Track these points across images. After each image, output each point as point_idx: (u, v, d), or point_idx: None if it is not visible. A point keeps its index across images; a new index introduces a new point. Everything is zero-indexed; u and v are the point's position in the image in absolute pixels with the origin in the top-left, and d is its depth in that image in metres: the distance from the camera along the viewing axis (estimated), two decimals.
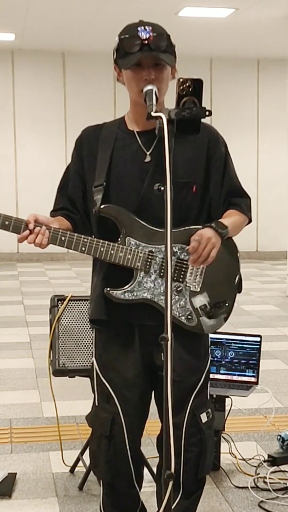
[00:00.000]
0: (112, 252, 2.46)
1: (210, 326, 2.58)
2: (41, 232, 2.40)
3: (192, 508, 2.70)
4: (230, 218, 2.59)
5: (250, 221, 2.76)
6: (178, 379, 2.47)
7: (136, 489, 2.69)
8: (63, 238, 2.44)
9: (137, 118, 2.57)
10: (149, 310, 2.49)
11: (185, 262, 2.52)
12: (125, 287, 2.49)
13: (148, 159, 2.53)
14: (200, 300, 2.54)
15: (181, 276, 2.51)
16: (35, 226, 2.40)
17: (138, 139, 2.56)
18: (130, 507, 2.72)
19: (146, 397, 2.63)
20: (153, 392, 2.66)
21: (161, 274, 2.48)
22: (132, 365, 2.56)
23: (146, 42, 2.41)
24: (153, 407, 2.75)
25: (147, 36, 2.42)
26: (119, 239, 2.48)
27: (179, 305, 2.51)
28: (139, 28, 2.44)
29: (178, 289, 2.51)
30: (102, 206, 2.48)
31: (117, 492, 2.66)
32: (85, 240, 2.46)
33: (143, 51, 2.41)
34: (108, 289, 2.49)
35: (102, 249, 2.46)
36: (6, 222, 2.41)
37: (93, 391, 2.69)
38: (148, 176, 2.52)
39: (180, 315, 2.51)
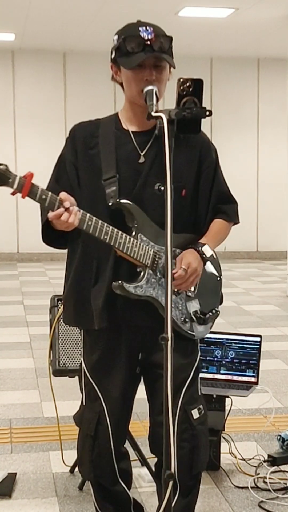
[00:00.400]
0: (128, 245, 2.44)
1: (200, 332, 2.63)
2: (73, 212, 2.37)
3: (190, 506, 2.71)
4: (214, 234, 2.63)
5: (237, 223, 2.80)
6: (154, 375, 2.54)
7: (122, 486, 2.71)
8: (89, 223, 2.41)
9: (133, 117, 2.57)
10: (145, 310, 2.51)
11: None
12: (135, 283, 2.48)
13: (142, 160, 2.53)
14: (194, 306, 2.59)
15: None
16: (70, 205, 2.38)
17: (133, 139, 2.55)
18: (120, 503, 2.74)
19: (131, 397, 2.66)
20: (143, 390, 2.70)
21: (161, 273, 2.50)
22: (119, 366, 2.58)
23: (148, 42, 2.42)
24: (145, 407, 2.76)
25: (149, 36, 2.43)
26: (132, 234, 2.48)
27: (178, 308, 2.55)
28: (140, 28, 2.45)
29: (178, 291, 2.54)
30: (123, 201, 2.48)
31: (104, 489, 2.71)
32: (108, 228, 2.43)
33: (146, 52, 2.42)
34: (121, 282, 2.45)
35: (120, 240, 2.44)
36: (43, 196, 2.38)
37: (81, 391, 2.72)
38: (141, 178, 2.52)
39: (178, 317, 2.54)
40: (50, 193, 2.39)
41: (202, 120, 2.22)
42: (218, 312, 2.65)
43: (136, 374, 2.63)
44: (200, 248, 2.53)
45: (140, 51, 2.42)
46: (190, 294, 2.57)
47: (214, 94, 12.29)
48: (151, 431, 2.67)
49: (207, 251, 2.55)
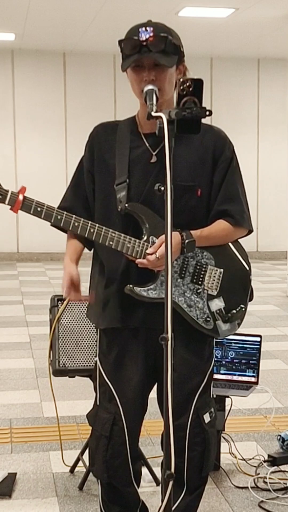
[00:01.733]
0: (138, 249, 2.46)
1: (225, 331, 2.61)
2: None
3: (194, 504, 2.73)
4: (210, 232, 2.56)
5: (249, 231, 2.73)
6: (182, 380, 2.50)
7: (135, 487, 2.71)
8: (92, 230, 2.46)
9: (143, 119, 2.57)
10: (157, 314, 2.42)
11: (204, 266, 2.55)
12: (148, 285, 2.48)
13: (154, 159, 2.55)
14: (217, 304, 2.58)
15: (200, 279, 2.55)
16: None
17: (146, 141, 2.58)
18: (130, 505, 2.73)
19: (146, 398, 2.66)
20: (155, 393, 2.67)
21: (182, 275, 2.52)
22: (136, 367, 2.58)
23: (144, 43, 2.42)
24: (153, 407, 2.76)
25: (147, 37, 2.43)
26: (144, 237, 2.49)
27: (198, 307, 2.54)
28: (140, 29, 2.45)
29: (198, 291, 2.54)
30: (128, 205, 2.50)
31: (115, 491, 2.68)
32: (113, 234, 2.46)
33: (141, 53, 2.43)
34: (131, 285, 2.48)
35: (128, 245, 2.47)
36: (39, 209, 2.47)
37: (95, 390, 2.70)
38: (151, 177, 2.53)
39: (199, 317, 2.54)
40: (46, 204, 2.47)
41: (202, 120, 2.22)
42: (243, 309, 2.63)
43: (152, 376, 2.60)
44: (184, 235, 2.47)
45: (137, 52, 2.43)
46: (211, 292, 2.56)
47: (214, 93, 12.29)
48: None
49: (190, 244, 2.48)
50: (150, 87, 2.44)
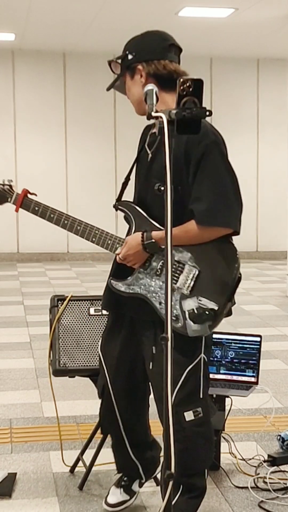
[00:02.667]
0: (117, 246, 2.66)
1: (193, 331, 2.62)
2: None
3: (187, 506, 2.76)
4: (174, 231, 2.50)
5: (234, 232, 2.63)
6: (160, 371, 2.50)
7: (133, 461, 3.04)
8: (78, 228, 2.73)
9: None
10: (142, 305, 2.67)
11: (181, 265, 2.61)
12: (125, 280, 2.70)
13: (150, 157, 2.71)
14: (189, 304, 2.60)
15: (175, 278, 2.61)
16: None
17: (147, 140, 2.76)
18: (124, 464, 3.10)
19: (134, 377, 2.88)
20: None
21: (157, 272, 2.62)
22: (120, 347, 2.85)
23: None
24: (152, 407, 2.77)
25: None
26: (130, 234, 2.69)
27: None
28: None
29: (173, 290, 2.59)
30: (117, 202, 2.75)
31: (114, 453, 3.13)
32: (97, 231, 2.69)
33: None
34: (111, 279, 2.74)
35: (109, 241, 2.68)
36: (36, 208, 2.83)
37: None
38: (145, 176, 2.68)
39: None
40: (42, 205, 2.82)
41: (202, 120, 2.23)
42: (212, 312, 2.58)
43: (134, 351, 2.83)
44: (145, 236, 2.62)
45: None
46: (184, 292, 2.60)
47: (214, 94, 12.29)
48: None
49: (150, 245, 2.61)
50: (150, 87, 2.45)
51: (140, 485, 3.16)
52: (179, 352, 2.55)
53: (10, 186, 2.85)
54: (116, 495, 3.10)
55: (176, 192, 2.50)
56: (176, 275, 2.61)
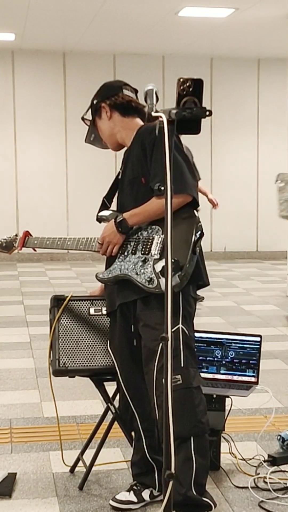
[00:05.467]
0: (93, 244, 3.10)
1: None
2: None
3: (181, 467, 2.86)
4: (140, 208, 3.00)
5: (191, 197, 2.98)
6: (144, 344, 2.98)
7: (137, 422, 3.17)
8: (68, 243, 3.18)
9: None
10: (126, 287, 3.00)
11: (151, 238, 2.98)
12: (105, 270, 3.08)
13: (120, 175, 3.17)
14: (160, 265, 2.92)
15: (147, 250, 2.97)
16: None
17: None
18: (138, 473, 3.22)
19: (131, 354, 3.09)
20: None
21: (133, 251, 2.99)
22: (118, 336, 3.12)
23: None
24: None
25: None
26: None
27: (143, 272, 2.94)
28: None
29: (142, 260, 2.96)
30: (98, 214, 3.19)
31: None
32: (83, 240, 3.15)
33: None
34: (97, 274, 3.10)
35: (93, 243, 3.10)
36: (35, 242, 3.30)
37: None
38: (121, 184, 3.14)
39: (143, 279, 2.94)
40: (39, 238, 3.24)
41: (202, 120, 2.23)
42: (174, 261, 2.82)
43: (130, 336, 3.08)
44: (117, 218, 3.00)
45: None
46: (156, 257, 2.95)
47: (214, 94, 12.29)
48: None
49: (121, 222, 2.99)
50: (150, 87, 2.46)
51: (151, 496, 3.17)
52: (153, 328, 2.88)
53: (16, 235, 3.36)
54: (124, 495, 3.17)
55: (141, 183, 3.00)
56: (148, 247, 2.97)
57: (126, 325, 3.08)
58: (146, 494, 3.15)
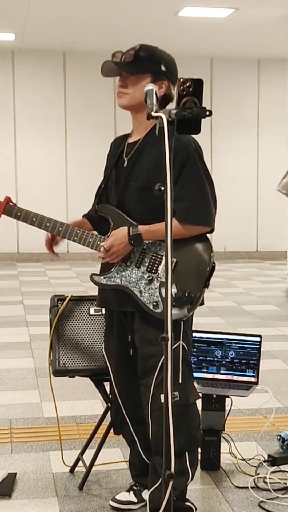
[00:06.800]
0: (98, 243, 2.88)
1: (173, 315, 2.71)
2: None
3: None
4: (157, 226, 2.79)
5: (211, 230, 2.87)
6: (142, 359, 2.91)
7: (128, 426, 3.13)
8: (60, 229, 2.94)
9: (132, 128, 3.00)
10: (124, 297, 2.88)
11: (159, 256, 2.83)
12: (105, 274, 2.92)
13: (125, 164, 2.93)
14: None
15: (154, 268, 2.83)
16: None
17: (125, 149, 2.97)
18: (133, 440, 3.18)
19: (126, 361, 3.02)
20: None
21: (137, 264, 2.85)
22: (115, 342, 3.04)
23: (113, 56, 2.87)
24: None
25: (120, 53, 2.84)
26: (109, 233, 2.89)
27: (149, 293, 2.83)
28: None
29: (149, 278, 2.83)
30: (97, 206, 2.99)
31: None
32: (78, 231, 2.91)
33: (108, 61, 2.85)
34: (93, 274, 2.95)
35: (90, 239, 2.90)
36: (18, 213, 3.00)
37: None
38: (124, 179, 2.91)
39: (148, 302, 2.82)
40: (25, 210, 2.98)
41: (202, 120, 2.23)
42: (187, 295, 2.77)
43: (127, 345, 3.00)
44: (131, 229, 2.82)
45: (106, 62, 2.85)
46: (163, 279, 2.78)
47: (214, 94, 12.29)
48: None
49: (136, 237, 2.81)
50: (150, 87, 2.46)
51: None
52: (152, 345, 2.81)
53: None
54: (124, 495, 3.18)
55: (160, 191, 2.76)
56: (155, 266, 2.83)
57: (122, 332, 3.01)
58: (145, 494, 3.15)
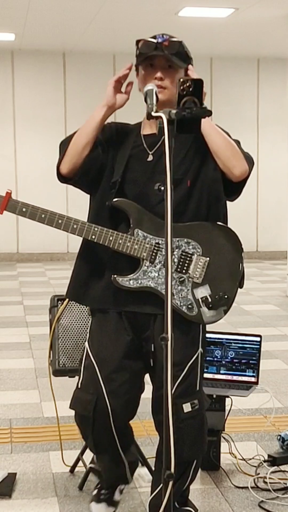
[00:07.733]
0: (120, 241, 2.64)
1: (209, 317, 2.70)
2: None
3: (177, 493, 2.79)
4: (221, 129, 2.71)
5: (248, 174, 2.83)
6: (162, 366, 2.60)
7: (124, 464, 2.92)
8: (75, 226, 2.65)
9: (146, 120, 2.76)
10: (147, 299, 2.67)
11: (189, 255, 2.66)
12: (130, 275, 2.67)
13: (150, 158, 2.70)
14: (202, 292, 2.68)
15: (185, 268, 2.67)
16: None
17: (144, 141, 2.73)
18: (113, 477, 2.98)
19: (135, 380, 2.79)
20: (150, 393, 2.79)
21: (164, 262, 2.60)
22: (122, 349, 2.74)
23: (160, 45, 2.60)
24: (145, 407, 2.76)
25: (161, 40, 2.61)
26: (129, 230, 2.66)
27: (181, 295, 2.67)
28: (157, 35, 2.64)
29: (181, 279, 2.67)
30: (115, 200, 2.68)
31: (104, 462, 2.97)
32: (96, 229, 2.65)
33: (157, 51, 2.60)
34: (115, 276, 2.67)
35: (111, 238, 2.64)
36: (24, 209, 2.70)
37: (79, 375, 2.84)
38: (147, 175, 2.68)
39: (182, 304, 2.67)
40: (31, 205, 2.70)
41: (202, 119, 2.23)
42: (227, 297, 2.68)
43: (137, 358, 2.77)
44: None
45: (152, 51, 2.60)
46: (196, 280, 2.67)
47: (214, 93, 12.29)
48: (153, 400, 2.80)
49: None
50: (150, 87, 2.46)
51: (121, 492, 3.08)
52: (180, 348, 2.61)
53: None
54: (101, 510, 3.00)
55: (185, 185, 2.65)
56: (186, 265, 2.67)
57: (127, 336, 2.76)
58: (117, 495, 3.04)
